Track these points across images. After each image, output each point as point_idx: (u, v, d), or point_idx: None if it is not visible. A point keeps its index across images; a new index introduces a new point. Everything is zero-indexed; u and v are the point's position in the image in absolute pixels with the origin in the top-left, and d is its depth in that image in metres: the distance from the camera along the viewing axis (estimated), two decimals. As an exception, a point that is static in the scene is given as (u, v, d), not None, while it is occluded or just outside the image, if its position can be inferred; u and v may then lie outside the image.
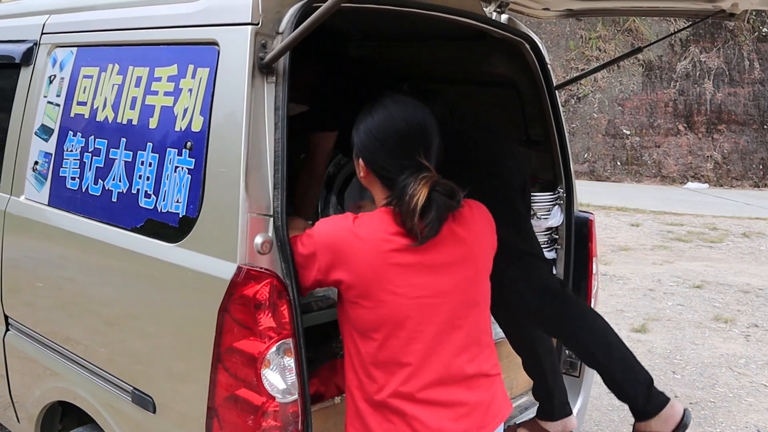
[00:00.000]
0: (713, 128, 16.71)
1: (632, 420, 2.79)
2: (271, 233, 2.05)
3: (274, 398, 2.02)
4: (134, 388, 2.35)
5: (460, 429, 2.06)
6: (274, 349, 2.02)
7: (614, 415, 4.75)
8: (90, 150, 2.53)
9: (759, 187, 16.34)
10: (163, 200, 2.23)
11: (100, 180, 2.47)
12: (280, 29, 2.09)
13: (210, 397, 2.08)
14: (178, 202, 2.19)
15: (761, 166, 16.56)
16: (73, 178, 2.60)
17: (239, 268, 2.01)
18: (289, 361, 2.06)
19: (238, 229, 2.02)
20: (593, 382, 3.54)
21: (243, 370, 2.03)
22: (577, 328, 2.85)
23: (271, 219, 2.05)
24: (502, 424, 2.20)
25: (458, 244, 2.07)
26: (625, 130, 16.75)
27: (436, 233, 1.97)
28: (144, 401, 2.32)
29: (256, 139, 2.05)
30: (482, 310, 2.17)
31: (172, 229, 2.20)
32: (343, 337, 2.12)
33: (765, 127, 16.63)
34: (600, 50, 17.05)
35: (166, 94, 2.26)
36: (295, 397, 2.06)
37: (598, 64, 15.28)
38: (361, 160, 2.10)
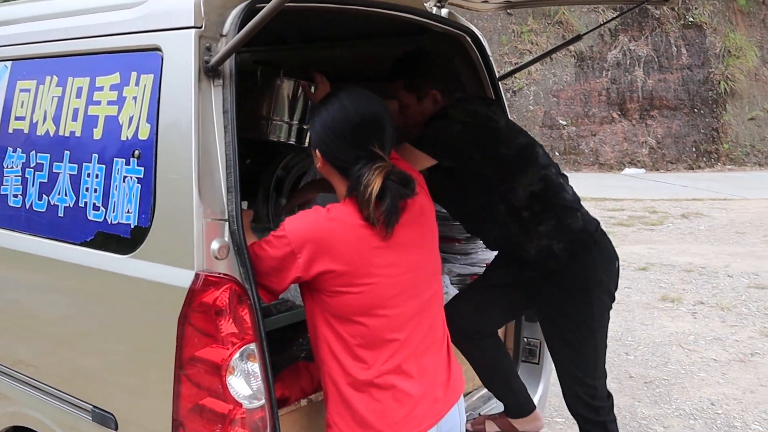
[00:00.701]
0: (646, 114, 17.07)
1: None
2: (227, 238, 2.02)
3: (240, 405, 1.99)
4: (94, 407, 2.29)
5: (441, 394, 2.19)
6: (237, 355, 1.99)
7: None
8: (32, 165, 2.46)
9: (693, 169, 16.74)
10: (113, 212, 2.18)
11: (44, 195, 2.40)
12: (224, 31, 2.06)
13: (174, 409, 2.04)
14: (128, 212, 2.14)
15: (694, 149, 16.97)
16: (15, 196, 2.52)
17: (197, 275, 1.98)
18: (254, 366, 2.03)
19: (193, 235, 1.98)
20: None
21: (207, 379, 1.99)
22: None
23: (227, 223, 2.02)
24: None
25: (418, 219, 2.18)
26: (561, 121, 17.01)
27: (396, 220, 2.04)
28: (105, 419, 2.26)
29: (206, 144, 2.02)
30: (440, 278, 2.31)
31: (124, 240, 2.15)
32: (316, 329, 2.13)
33: (695, 110, 17.05)
34: (532, 43, 17.27)
35: (110, 103, 2.21)
36: (262, 402, 2.03)
37: (531, 58, 15.50)
38: (318, 152, 2.14)
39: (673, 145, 16.96)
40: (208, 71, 2.03)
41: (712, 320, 6.50)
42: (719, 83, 16.83)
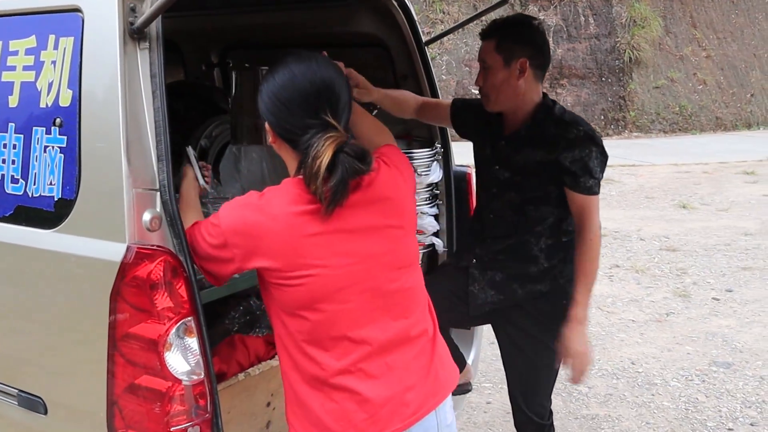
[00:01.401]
0: (556, 83, 17.36)
1: None
2: (159, 208, 1.93)
3: (179, 381, 1.91)
4: (20, 391, 2.18)
5: (412, 397, 1.97)
6: (174, 330, 1.91)
7: (498, 364, 4.86)
8: (-60, 137, 2.30)
9: (602, 136, 17.11)
10: (34, 184, 2.06)
11: (-44, 169, 2.25)
12: (149, -10, 1.95)
13: (109, 388, 1.95)
14: (51, 184, 2.02)
15: (602, 117, 17.37)
16: None
17: (129, 248, 1.88)
18: (191, 341, 1.95)
19: (123, 206, 1.88)
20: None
21: (143, 356, 1.90)
22: None
23: (158, 193, 1.92)
24: (451, 393, 2.11)
25: (377, 203, 1.95)
26: (473, 90, 17.13)
27: (343, 198, 1.83)
28: (32, 403, 2.15)
29: (133, 110, 1.92)
30: (414, 269, 2.06)
31: (48, 213, 2.04)
32: (270, 319, 2.00)
33: (603, 79, 17.43)
34: (444, 12, 17.31)
35: (26, 68, 2.08)
36: (201, 377, 1.96)
37: (443, 28, 15.53)
38: (267, 125, 1.96)
39: (582, 113, 17.28)
40: (134, 33, 1.92)
41: (628, 282, 6.69)
42: (625, 52, 17.23)
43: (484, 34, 2.74)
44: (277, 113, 1.92)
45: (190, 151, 2.38)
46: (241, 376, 2.33)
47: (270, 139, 1.98)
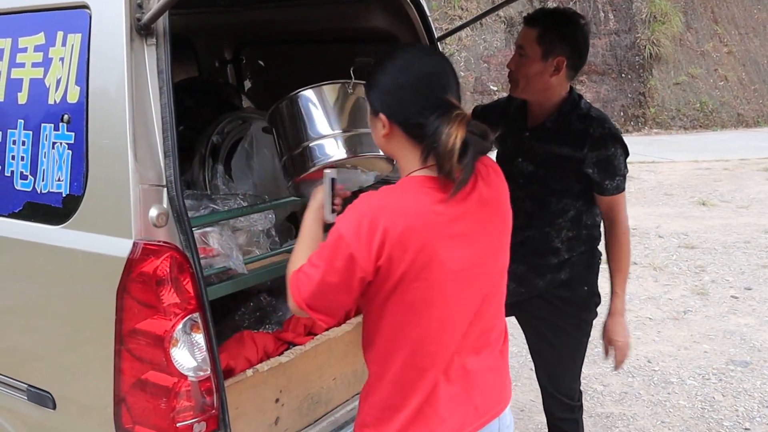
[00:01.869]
0: (576, 79, 17.15)
1: None
2: (165, 204, 1.92)
3: (185, 377, 1.92)
4: (29, 386, 2.19)
5: (479, 402, 1.95)
6: (180, 325, 1.91)
7: (514, 361, 4.85)
8: (-48, 134, 2.31)
9: (621, 132, 17.02)
10: (43, 180, 2.07)
11: (-33, 165, 2.27)
12: (156, -13, 1.95)
13: (116, 384, 1.95)
14: (59, 180, 2.03)
15: (622, 113, 17.25)
16: (-65, 167, 2.38)
17: (135, 244, 1.89)
18: (198, 337, 1.96)
19: (130, 202, 1.89)
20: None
21: (150, 352, 1.91)
22: None
23: (165, 189, 1.92)
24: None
25: (487, 207, 1.89)
26: (492, 86, 17.08)
27: (469, 176, 1.77)
28: (41, 398, 2.16)
29: (140, 106, 1.92)
30: (505, 281, 2.02)
31: (56, 210, 2.04)
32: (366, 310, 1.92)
33: (623, 75, 17.31)
34: (462, 9, 17.23)
35: (35, 65, 2.08)
36: (208, 373, 1.96)
37: (461, 23, 15.50)
38: (383, 116, 1.85)
39: (602, 110, 17.17)
40: (141, 29, 1.92)
41: (646, 280, 6.63)
42: (645, 48, 17.09)
43: (529, 20, 2.71)
44: (399, 99, 1.84)
45: (329, 175, 2.10)
46: (249, 372, 2.32)
47: (384, 132, 1.87)
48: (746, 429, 4.08)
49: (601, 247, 2.91)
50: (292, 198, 2.71)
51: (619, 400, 4.44)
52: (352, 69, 2.44)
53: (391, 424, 1.89)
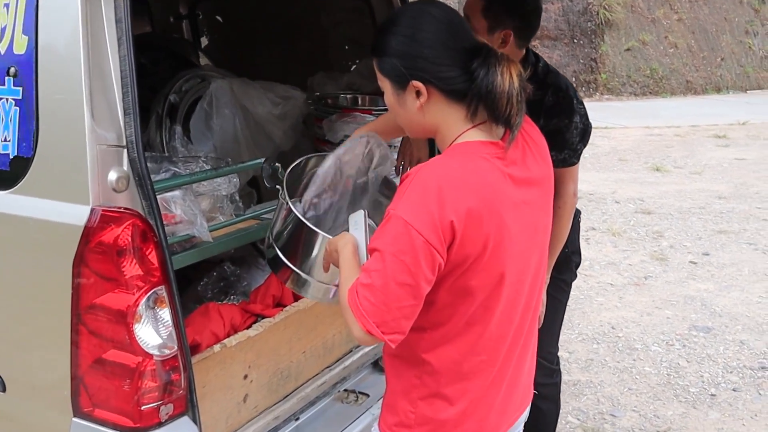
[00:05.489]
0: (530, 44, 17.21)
1: None
2: (126, 167, 1.75)
3: (151, 356, 1.76)
4: (-26, 366, 2.00)
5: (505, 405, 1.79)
6: (144, 300, 1.74)
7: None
8: None
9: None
10: (-13, 140, 1.87)
11: None
12: (113, -76, 1.75)
13: (73, 364, 1.79)
14: (5, 140, 1.83)
15: (574, 79, 17.24)
16: None
17: (93, 211, 1.71)
18: (163, 312, 1.79)
19: (87, 164, 1.70)
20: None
21: (111, 329, 1.74)
22: None
23: (125, 150, 1.74)
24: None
25: (537, 172, 1.73)
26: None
27: (522, 119, 1.63)
28: (-12, 379, 1.98)
29: (97, 58, 1.73)
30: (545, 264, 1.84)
31: (3, 173, 1.85)
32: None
33: (575, 41, 17.29)
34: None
35: (-25, 12, 1.87)
36: (174, 351, 1.80)
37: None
38: (417, 83, 1.63)
39: (555, 76, 17.21)
40: (96, -28, 1.73)
41: (605, 245, 6.61)
42: (598, 14, 17.09)
43: None
44: (430, 57, 1.62)
45: (360, 218, 1.77)
46: (216, 347, 2.16)
47: (419, 102, 1.65)
48: (712, 395, 4.07)
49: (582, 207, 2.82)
50: (258, 161, 2.55)
51: (585, 367, 4.39)
52: None
53: (440, 420, 1.71)
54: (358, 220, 1.76)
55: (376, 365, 2.87)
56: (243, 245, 2.58)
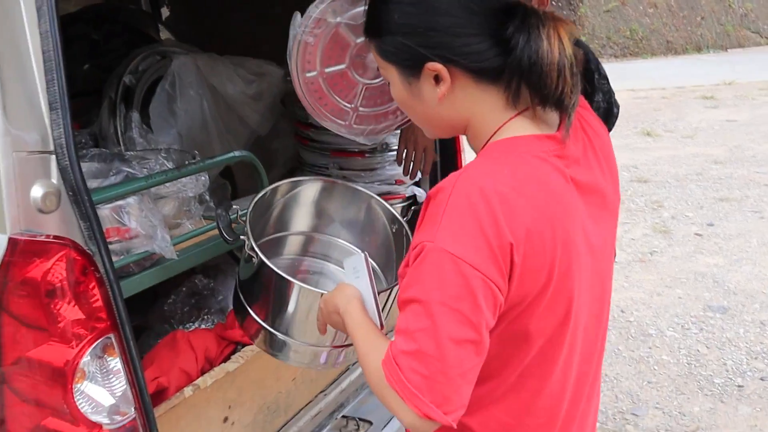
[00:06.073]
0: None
1: None
2: (55, 179, 1.32)
3: (99, 426, 1.34)
4: None
5: None
6: (89, 351, 1.33)
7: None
8: None
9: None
10: None
11: None
12: None
13: (-1, 436, 1.37)
14: None
15: (554, 42, 16.96)
16: None
17: (12, 241, 1.29)
18: (114, 362, 1.38)
19: (0, 178, 1.28)
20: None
21: (45, 392, 1.33)
22: None
23: (53, 157, 1.31)
24: None
25: (601, 173, 1.33)
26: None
27: (578, 98, 1.22)
28: None
29: (10, 35, 1.29)
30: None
31: None
32: None
33: (553, 2, 16.89)
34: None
35: None
36: (130, 416, 1.39)
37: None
38: (435, 65, 1.21)
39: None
40: None
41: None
42: (576, -26, 16.72)
43: None
44: (451, 28, 1.19)
45: (360, 263, 1.40)
46: (188, 390, 1.74)
47: (441, 91, 1.22)
48: (739, 386, 3.71)
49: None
50: (233, 154, 2.13)
51: (597, 358, 4.03)
52: None
53: None
54: (358, 266, 1.36)
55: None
56: (217, 256, 2.16)
